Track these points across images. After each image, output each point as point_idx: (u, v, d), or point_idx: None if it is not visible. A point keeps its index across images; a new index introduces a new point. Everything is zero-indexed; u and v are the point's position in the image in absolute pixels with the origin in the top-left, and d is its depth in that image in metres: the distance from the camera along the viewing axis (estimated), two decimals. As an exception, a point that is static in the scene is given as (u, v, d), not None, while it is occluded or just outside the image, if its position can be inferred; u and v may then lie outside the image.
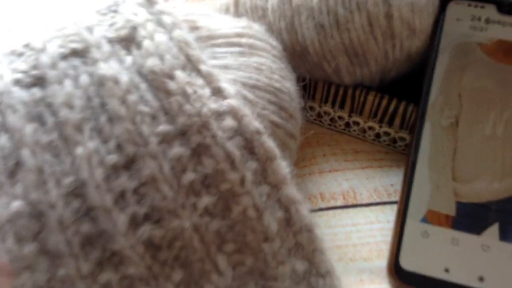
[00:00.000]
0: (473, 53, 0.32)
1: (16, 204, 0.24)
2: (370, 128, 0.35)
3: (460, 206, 0.29)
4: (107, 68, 0.25)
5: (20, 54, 0.26)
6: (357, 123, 0.35)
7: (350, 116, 0.35)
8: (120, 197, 0.25)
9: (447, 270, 0.28)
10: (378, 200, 0.33)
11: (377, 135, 0.35)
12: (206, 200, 0.25)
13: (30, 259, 0.25)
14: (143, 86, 0.25)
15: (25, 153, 0.24)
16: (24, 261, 0.25)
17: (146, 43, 0.25)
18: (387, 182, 0.34)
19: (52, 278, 0.25)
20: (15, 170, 0.25)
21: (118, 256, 0.26)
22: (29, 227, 0.25)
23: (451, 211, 0.29)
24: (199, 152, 0.25)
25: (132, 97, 0.24)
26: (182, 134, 0.25)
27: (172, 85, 0.24)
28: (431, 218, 0.29)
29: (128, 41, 0.25)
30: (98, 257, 0.26)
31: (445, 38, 0.33)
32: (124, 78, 0.24)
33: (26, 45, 0.26)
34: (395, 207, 0.33)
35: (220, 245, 0.26)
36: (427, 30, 0.32)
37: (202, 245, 0.26)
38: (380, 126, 0.34)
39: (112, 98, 0.24)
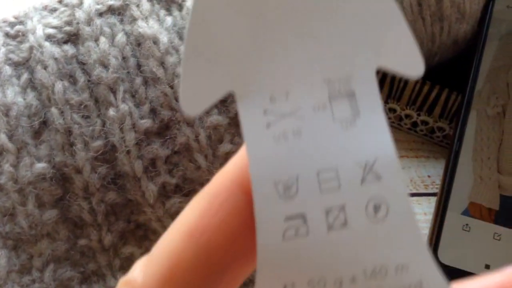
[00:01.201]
0: (523, 43, 0.31)
1: (40, 166, 0.23)
2: (407, 116, 0.33)
3: (505, 199, 0.28)
4: (146, 27, 0.23)
5: (54, 10, 0.25)
6: (393, 110, 0.33)
7: (387, 102, 0.33)
8: (151, 165, 0.23)
9: (487, 267, 0.27)
10: (414, 191, 0.31)
11: (414, 124, 0.34)
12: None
13: (50, 226, 0.24)
14: (183, 48, 0.23)
15: (53, 112, 0.23)
16: (44, 228, 0.24)
17: (189, 4, 0.24)
18: (424, 173, 0.32)
19: (72, 249, 0.24)
20: (41, 130, 0.23)
21: (143, 229, 0.25)
22: (52, 192, 0.23)
23: (495, 204, 0.28)
24: (238, 121, 0.23)
25: (171, 59, 0.23)
26: (222, 101, 0.23)
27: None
28: (473, 211, 0.28)
29: (169, 0, 0.24)
30: (122, 228, 0.24)
31: (494, 25, 0.31)
32: (164, 38, 0.23)
33: (60, 1, 0.25)
34: (432, 199, 0.31)
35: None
36: (476, 15, 0.31)
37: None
38: (419, 115, 0.33)
39: (150, 59, 0.23)
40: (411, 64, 0.12)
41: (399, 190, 0.12)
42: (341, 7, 0.12)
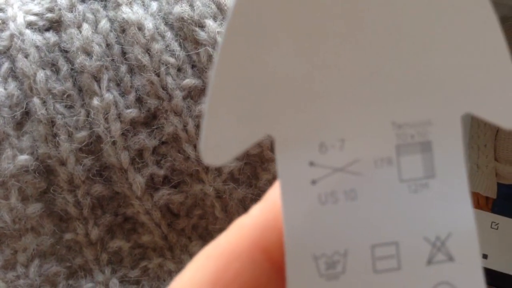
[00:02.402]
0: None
1: (22, 158, 0.22)
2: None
3: (502, 188, 0.28)
4: (130, 12, 0.22)
5: (34, -4, 0.24)
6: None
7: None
8: (138, 156, 0.23)
9: (485, 256, 0.27)
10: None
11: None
12: (232, 165, 0.23)
13: (35, 220, 0.23)
14: (169, 34, 0.22)
15: (35, 103, 0.22)
16: (28, 222, 0.23)
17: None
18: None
19: (57, 243, 0.24)
20: (23, 121, 0.23)
21: (131, 222, 0.24)
22: (36, 185, 0.23)
23: (492, 193, 0.27)
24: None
25: (157, 46, 0.22)
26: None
27: (202, 35, 0.22)
28: (470, 199, 0.27)
29: (154, -15, 0.23)
30: (109, 222, 0.24)
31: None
32: (149, 24, 0.22)
33: (41, -13, 0.24)
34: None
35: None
36: None
37: (225, 214, 0.23)
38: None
39: (135, 46, 0.22)
40: (507, 114, 0.09)
41: (475, 277, 0.09)
42: (426, 31, 0.09)
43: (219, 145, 0.09)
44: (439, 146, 0.09)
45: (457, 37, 0.09)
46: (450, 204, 0.09)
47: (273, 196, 0.10)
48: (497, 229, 0.27)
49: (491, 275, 0.27)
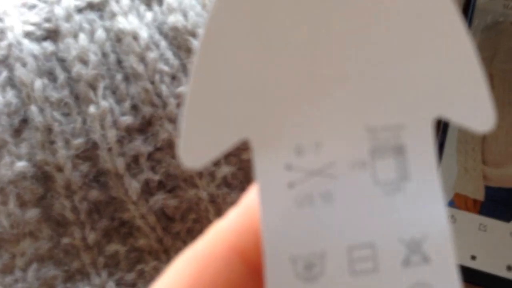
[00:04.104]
0: (506, 33, 0.31)
1: (20, 165, 0.23)
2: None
3: (490, 190, 0.28)
4: (125, 22, 0.23)
5: (33, 6, 0.24)
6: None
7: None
8: (133, 162, 0.23)
9: (473, 258, 0.27)
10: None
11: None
12: (225, 170, 0.23)
13: (33, 225, 0.23)
14: (164, 43, 0.23)
15: (33, 110, 0.23)
16: (26, 227, 0.23)
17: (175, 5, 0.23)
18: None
19: (55, 247, 0.24)
20: (21, 128, 0.23)
21: (127, 226, 0.24)
22: (33, 190, 0.23)
23: (480, 195, 0.28)
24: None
25: (152, 55, 0.23)
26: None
27: (195, 44, 0.23)
28: (458, 202, 0.28)
29: (148, -5, 0.24)
30: (105, 226, 0.24)
31: (477, 16, 0.31)
32: (144, 34, 0.23)
33: (38, -3, 0.25)
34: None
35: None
36: (458, 6, 0.31)
37: (218, 218, 0.24)
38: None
39: (130, 54, 0.23)
40: (479, 118, 0.10)
41: (451, 278, 0.09)
42: (396, 36, 0.09)
43: (196, 149, 0.10)
44: (412, 149, 0.09)
45: (425, 41, 0.10)
46: (424, 206, 0.09)
47: (249, 199, 0.10)
48: (485, 231, 0.28)
49: (479, 276, 0.27)
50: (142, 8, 0.24)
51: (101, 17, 0.23)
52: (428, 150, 0.09)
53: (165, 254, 0.24)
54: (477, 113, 0.10)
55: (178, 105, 0.23)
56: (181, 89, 0.23)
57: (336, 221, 0.09)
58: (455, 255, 0.09)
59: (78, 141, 0.23)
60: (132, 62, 0.23)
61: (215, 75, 0.09)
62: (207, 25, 0.10)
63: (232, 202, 0.24)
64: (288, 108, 0.09)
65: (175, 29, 0.23)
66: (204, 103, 0.09)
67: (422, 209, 0.09)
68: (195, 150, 0.10)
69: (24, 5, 0.25)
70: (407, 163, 0.09)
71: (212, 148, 0.10)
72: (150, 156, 0.23)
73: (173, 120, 0.23)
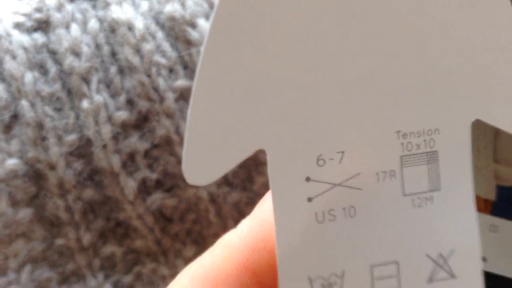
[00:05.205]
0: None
1: (11, 162, 0.22)
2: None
3: (501, 190, 0.27)
4: (120, 12, 0.22)
5: (22, -4, 0.23)
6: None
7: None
8: (129, 160, 0.22)
9: (484, 259, 0.26)
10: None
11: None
12: (226, 168, 0.22)
13: (25, 225, 0.23)
14: (160, 34, 0.22)
15: (24, 105, 0.22)
16: (18, 228, 0.23)
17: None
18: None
19: (49, 248, 0.23)
20: (11, 124, 0.22)
21: (123, 227, 0.24)
22: (25, 189, 0.22)
23: (491, 195, 0.27)
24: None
25: (148, 46, 0.22)
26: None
27: (194, 35, 0.22)
28: (470, 201, 0.27)
29: (145, -16, 0.23)
30: (101, 227, 0.23)
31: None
32: (139, 24, 0.22)
33: (29, -14, 0.23)
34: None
35: (239, 220, 0.23)
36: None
37: (219, 218, 0.23)
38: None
39: (125, 46, 0.22)
40: None
41: None
42: (431, 32, 0.08)
43: (204, 164, 0.09)
44: (446, 156, 0.09)
45: (468, 39, 0.08)
46: (455, 219, 0.09)
47: (263, 212, 0.09)
48: (496, 231, 0.27)
49: (490, 278, 0.26)
50: (138, -3, 0.23)
51: (94, 7, 0.22)
52: (463, 157, 0.09)
53: (163, 255, 0.24)
54: None
55: (176, 100, 0.22)
56: (179, 82, 0.22)
57: (359, 238, 0.08)
58: (482, 271, 0.09)
59: (71, 138, 0.22)
60: (127, 54, 0.22)
61: (224, 76, 0.08)
62: (217, 11, 0.08)
63: (233, 202, 0.23)
64: (308, 114, 0.08)
65: (172, 19, 0.22)
66: (211, 109, 0.08)
67: (452, 222, 0.08)
68: (202, 166, 0.09)
69: (14, -6, 0.24)
70: (440, 172, 0.09)
71: (221, 163, 0.09)
72: (147, 154, 0.22)
73: (170, 115, 0.22)
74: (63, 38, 0.22)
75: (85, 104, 0.22)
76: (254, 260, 0.09)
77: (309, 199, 0.09)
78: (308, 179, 0.09)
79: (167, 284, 0.18)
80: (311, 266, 0.08)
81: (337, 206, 0.08)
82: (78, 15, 0.22)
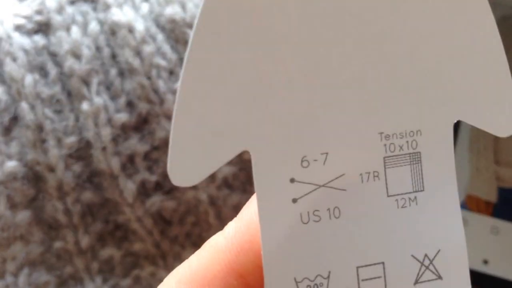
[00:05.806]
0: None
1: (10, 165, 0.22)
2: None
3: (503, 192, 0.27)
4: (120, 14, 0.22)
5: (23, -2, 0.23)
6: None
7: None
8: (129, 162, 0.22)
9: (485, 262, 0.26)
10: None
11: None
12: (226, 170, 0.22)
13: (24, 228, 0.23)
14: (161, 36, 0.22)
15: (23, 107, 0.22)
16: (17, 230, 0.23)
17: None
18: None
19: (47, 251, 0.23)
20: (11, 126, 0.22)
21: (122, 230, 0.24)
22: (24, 192, 0.22)
23: (492, 197, 0.27)
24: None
25: (148, 49, 0.22)
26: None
27: (194, 37, 0.22)
28: (470, 204, 0.27)
29: (145, -14, 0.23)
30: (99, 229, 0.23)
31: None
32: (140, 26, 0.22)
33: (30, -11, 0.24)
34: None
35: (238, 222, 0.23)
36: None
37: (218, 221, 0.23)
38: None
39: (125, 48, 0.22)
40: (500, 122, 0.09)
41: None
42: (412, 35, 0.08)
43: (188, 165, 0.09)
44: (429, 156, 0.09)
45: (448, 41, 0.09)
46: (439, 219, 0.09)
47: (249, 213, 0.09)
48: (497, 234, 0.27)
49: (491, 281, 0.26)
50: (138, -1, 0.23)
51: (95, 9, 0.22)
52: (446, 157, 0.09)
53: (162, 259, 0.24)
54: (500, 117, 0.09)
55: (176, 102, 0.22)
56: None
57: (344, 238, 0.08)
58: (468, 271, 0.09)
59: (71, 140, 0.22)
60: (127, 56, 0.22)
61: (207, 81, 0.08)
62: (202, 12, 0.08)
63: (233, 205, 0.23)
64: (293, 116, 0.09)
65: (172, 21, 0.22)
66: (196, 110, 0.08)
67: (438, 223, 0.09)
68: (187, 166, 0.09)
69: (15, -3, 0.24)
70: (423, 172, 0.09)
71: (206, 164, 0.09)
72: (146, 156, 0.22)
73: (170, 117, 0.22)
74: (63, 41, 0.22)
75: (85, 106, 0.22)
76: (240, 261, 0.09)
77: (294, 200, 0.09)
78: (292, 180, 0.09)
79: None
80: (296, 267, 0.08)
81: (321, 207, 0.08)
82: (79, 18, 0.22)
